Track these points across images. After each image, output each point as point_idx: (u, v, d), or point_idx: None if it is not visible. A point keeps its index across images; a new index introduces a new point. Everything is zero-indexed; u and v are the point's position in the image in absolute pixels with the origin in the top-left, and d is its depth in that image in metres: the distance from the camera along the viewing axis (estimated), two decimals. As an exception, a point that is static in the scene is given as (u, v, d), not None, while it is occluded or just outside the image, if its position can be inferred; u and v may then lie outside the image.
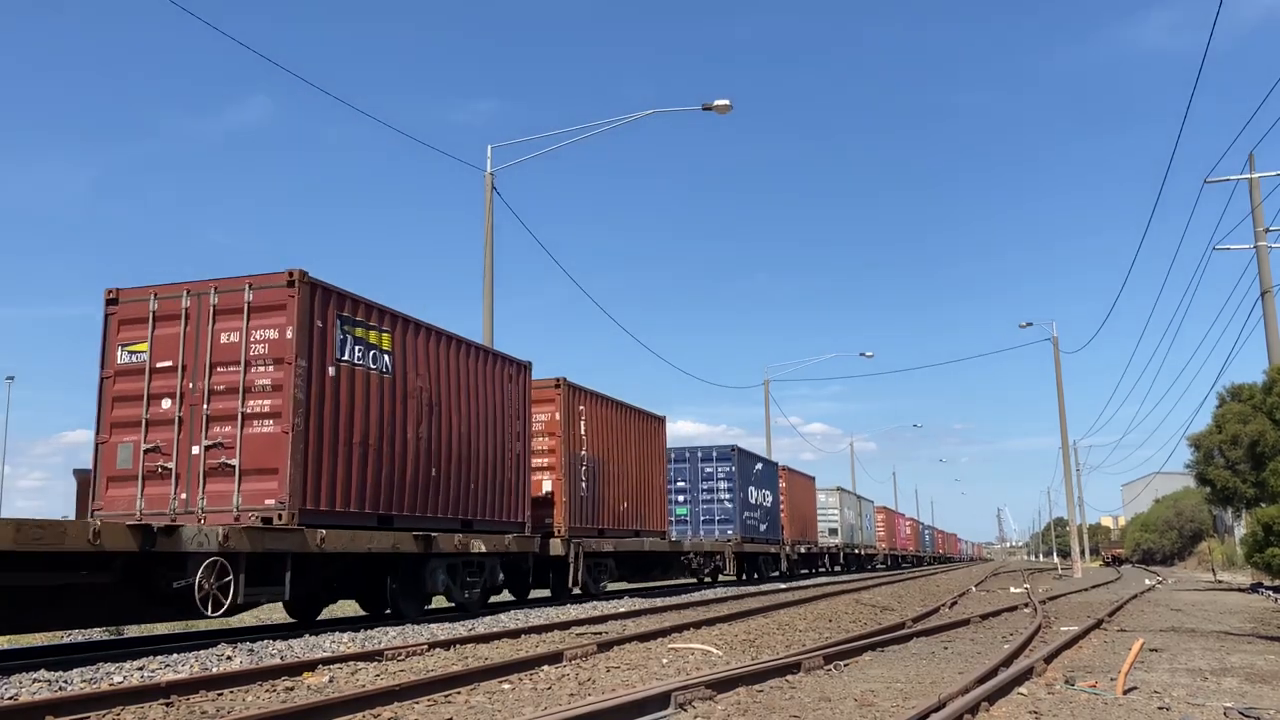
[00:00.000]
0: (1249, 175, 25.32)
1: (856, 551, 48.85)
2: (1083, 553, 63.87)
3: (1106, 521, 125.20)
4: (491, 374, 16.16)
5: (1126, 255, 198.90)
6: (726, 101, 22.54)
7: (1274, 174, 25.18)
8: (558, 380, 18.80)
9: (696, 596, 21.26)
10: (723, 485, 29.64)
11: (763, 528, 32.22)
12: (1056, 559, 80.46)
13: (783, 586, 27.20)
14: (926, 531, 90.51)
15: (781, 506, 34.85)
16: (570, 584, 18.55)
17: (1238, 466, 27.22)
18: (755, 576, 32.58)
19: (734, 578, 30.05)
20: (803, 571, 39.38)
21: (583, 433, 19.49)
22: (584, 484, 19.42)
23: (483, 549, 15.25)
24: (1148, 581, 33.78)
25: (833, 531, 43.38)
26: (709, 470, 29.80)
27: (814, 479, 41.94)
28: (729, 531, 29.21)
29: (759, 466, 32.96)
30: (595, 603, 18.51)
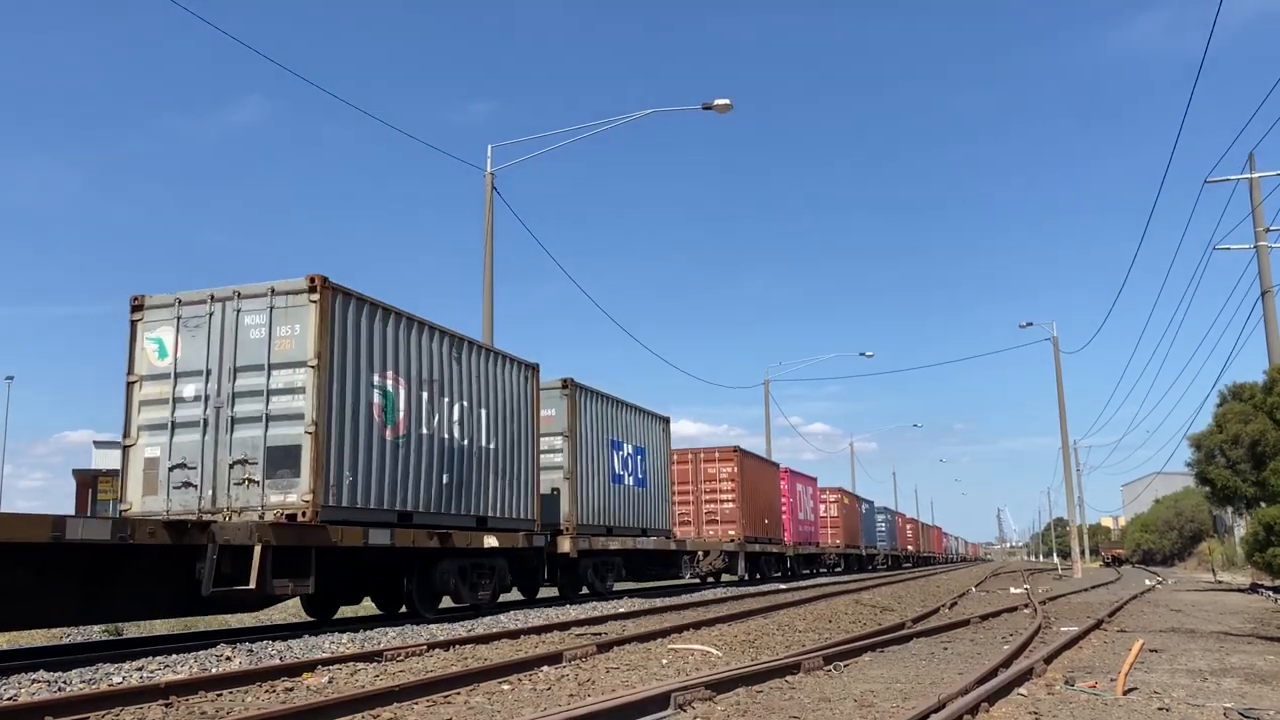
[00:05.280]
0: (1249, 175, 25.31)
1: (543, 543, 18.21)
2: (1083, 553, 63.89)
3: (1106, 522, 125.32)
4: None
5: (1127, 255, 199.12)
6: (727, 101, 22.53)
7: (1274, 174, 25.18)
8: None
9: (696, 597, 21.26)
10: None
11: None
12: (1056, 559, 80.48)
13: (783, 587, 27.17)
14: (882, 518, 60.55)
15: None
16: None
17: (1238, 466, 27.20)
18: None
19: None
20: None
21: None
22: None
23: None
24: (1148, 582, 33.77)
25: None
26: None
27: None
28: None
29: None
30: (595, 603, 18.53)
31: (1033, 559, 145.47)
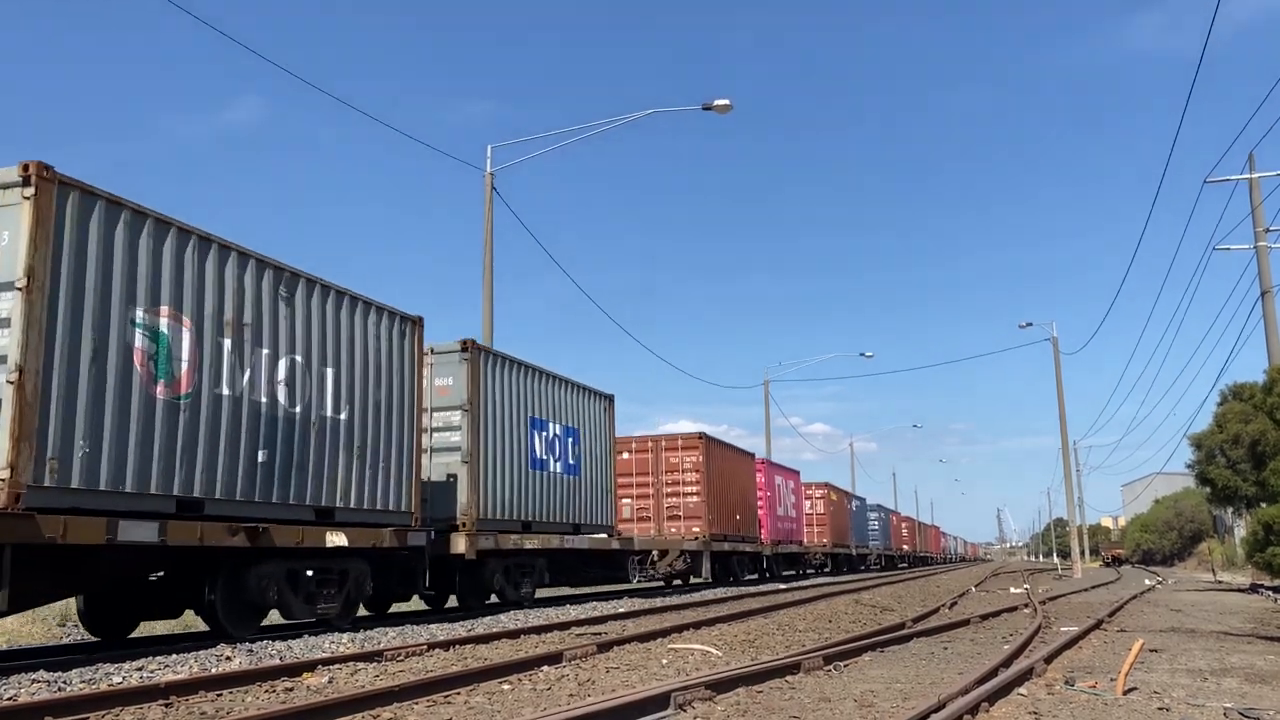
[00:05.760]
0: (1249, 175, 25.32)
1: None
2: (1083, 553, 63.87)
3: (1106, 522, 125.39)
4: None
5: (1127, 255, 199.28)
6: (726, 101, 22.53)
7: (1274, 174, 25.19)
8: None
9: (696, 597, 21.26)
10: None
11: None
12: (1056, 559, 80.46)
13: (782, 587, 27.18)
14: (874, 516, 54.72)
15: None
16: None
17: (1239, 466, 27.22)
18: None
19: None
20: None
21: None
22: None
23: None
24: (1147, 582, 33.77)
25: None
26: None
27: None
28: None
29: None
30: (595, 603, 18.56)
31: (1033, 559, 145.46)
